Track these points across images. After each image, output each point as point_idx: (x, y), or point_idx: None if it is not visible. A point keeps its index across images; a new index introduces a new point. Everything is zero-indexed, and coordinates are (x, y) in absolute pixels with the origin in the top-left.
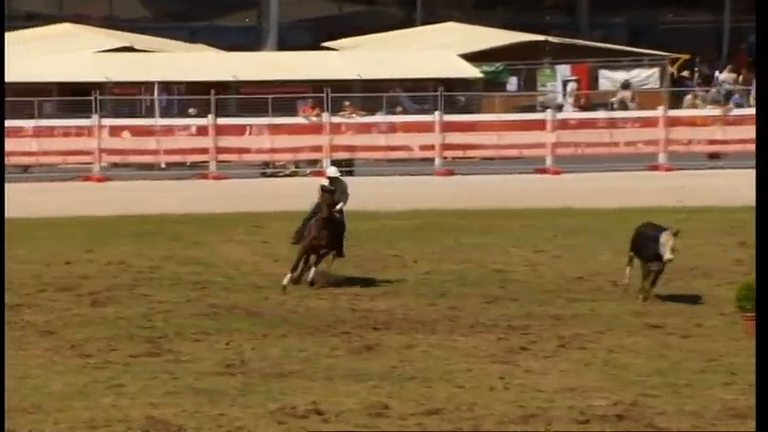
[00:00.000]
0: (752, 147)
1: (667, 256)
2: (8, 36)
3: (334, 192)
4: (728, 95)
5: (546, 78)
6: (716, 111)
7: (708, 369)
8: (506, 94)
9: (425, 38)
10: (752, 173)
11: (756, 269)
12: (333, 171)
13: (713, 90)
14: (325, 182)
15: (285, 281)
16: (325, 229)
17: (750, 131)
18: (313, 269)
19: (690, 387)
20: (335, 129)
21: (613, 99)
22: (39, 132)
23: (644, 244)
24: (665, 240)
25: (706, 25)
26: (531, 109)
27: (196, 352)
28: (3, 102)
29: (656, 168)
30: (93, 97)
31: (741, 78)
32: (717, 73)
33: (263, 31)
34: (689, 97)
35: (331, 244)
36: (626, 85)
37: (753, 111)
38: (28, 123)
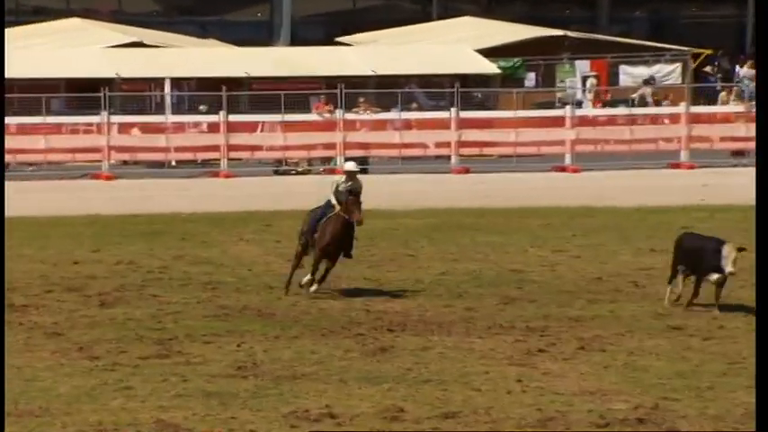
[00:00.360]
0: None
1: (729, 269)
2: (15, 31)
3: (359, 194)
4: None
5: (565, 74)
6: (739, 107)
7: (730, 372)
8: (524, 89)
9: (441, 33)
10: None
11: (756, 268)
12: (351, 165)
13: (751, 86)
14: (342, 177)
15: (308, 285)
16: (341, 237)
17: None
18: (311, 287)
19: (712, 390)
20: (349, 126)
21: (634, 95)
22: (47, 129)
23: (700, 257)
24: (728, 252)
25: (729, 20)
26: (550, 105)
27: (207, 354)
28: (2, 101)
29: (677, 166)
30: (101, 93)
31: None
32: (737, 68)
33: (276, 26)
34: (723, 94)
35: (341, 249)
36: (648, 81)
37: None
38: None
